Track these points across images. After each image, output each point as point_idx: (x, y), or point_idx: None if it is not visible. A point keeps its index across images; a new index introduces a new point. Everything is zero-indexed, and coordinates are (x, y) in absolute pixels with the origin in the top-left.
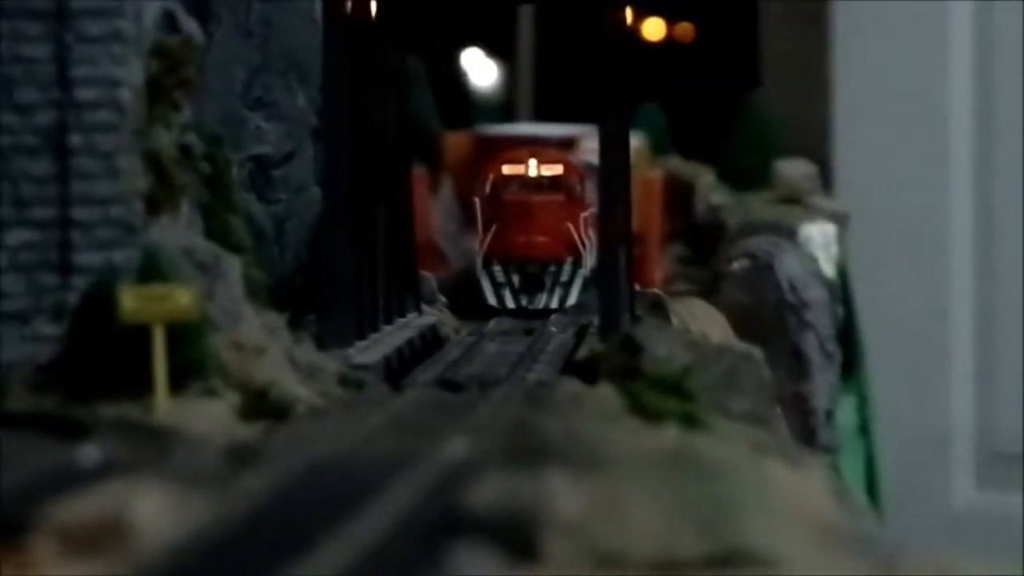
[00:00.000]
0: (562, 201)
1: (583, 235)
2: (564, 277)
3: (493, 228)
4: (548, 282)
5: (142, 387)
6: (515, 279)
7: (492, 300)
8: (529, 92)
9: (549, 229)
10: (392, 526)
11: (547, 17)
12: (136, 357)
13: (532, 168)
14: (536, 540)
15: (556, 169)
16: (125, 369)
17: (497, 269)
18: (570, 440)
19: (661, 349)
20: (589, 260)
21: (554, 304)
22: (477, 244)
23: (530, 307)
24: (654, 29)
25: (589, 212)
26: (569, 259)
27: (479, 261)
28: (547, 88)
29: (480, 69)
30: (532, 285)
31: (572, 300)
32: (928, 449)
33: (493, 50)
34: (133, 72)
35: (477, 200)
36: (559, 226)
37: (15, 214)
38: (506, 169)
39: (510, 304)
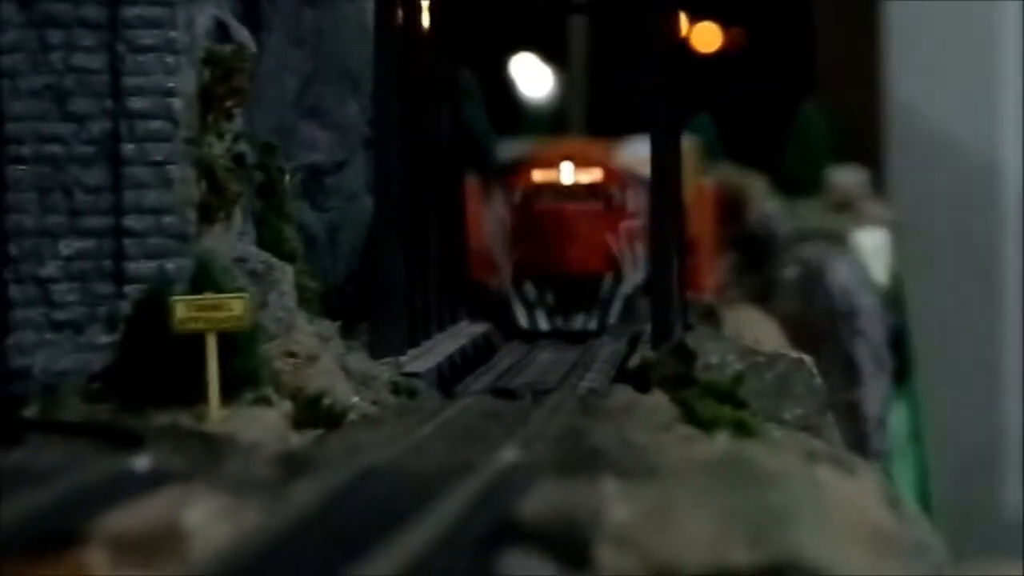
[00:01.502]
0: (600, 210)
1: (623, 247)
2: (603, 295)
3: (524, 242)
4: (586, 300)
5: (195, 396)
6: (549, 298)
7: (524, 322)
8: (582, 101)
9: (586, 242)
10: (443, 535)
11: (600, 27)
12: (189, 366)
13: (566, 174)
14: (589, 549)
15: (594, 175)
16: (178, 378)
17: (529, 287)
18: (622, 449)
19: (713, 357)
20: (630, 275)
21: (592, 325)
22: (506, 260)
23: (566, 328)
24: (707, 38)
25: (631, 222)
26: (608, 274)
27: (508, 279)
28: (600, 97)
29: (534, 78)
30: (568, 304)
31: (612, 320)
32: (979, 457)
33: (546, 59)
34: (185, 81)
35: (506, 211)
36: (597, 238)
37: (69, 223)
38: (537, 176)
39: (544, 326)
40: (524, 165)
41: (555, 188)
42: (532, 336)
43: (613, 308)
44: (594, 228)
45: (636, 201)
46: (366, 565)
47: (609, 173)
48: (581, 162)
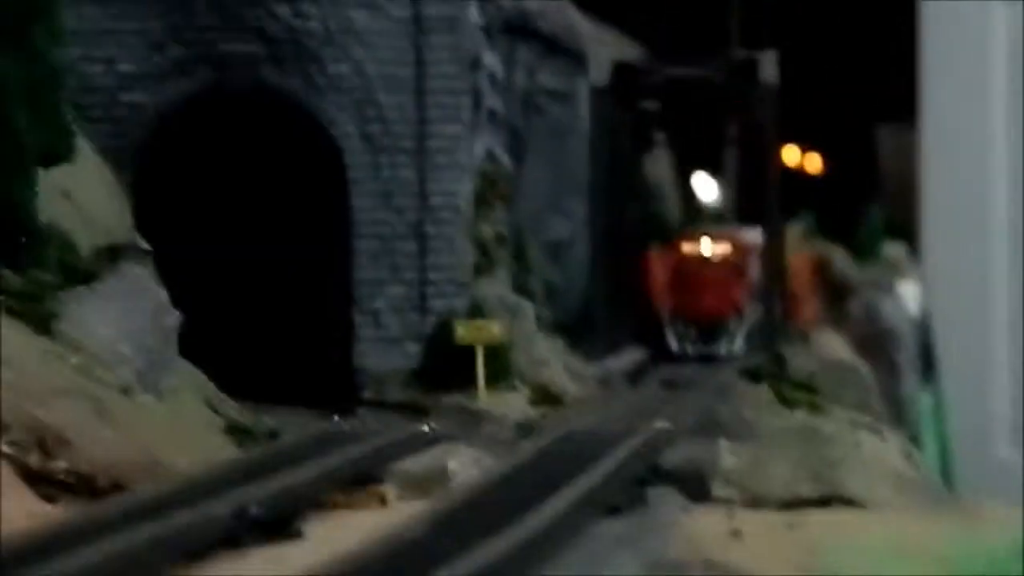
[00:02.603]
0: (730, 272)
1: (745, 297)
2: (731, 331)
3: (677, 292)
4: (718, 335)
5: (469, 384)
6: (693, 331)
7: (675, 348)
8: (733, 204)
9: (719, 294)
10: (613, 474)
11: (745, 154)
12: (466, 366)
13: (706, 246)
14: (708, 486)
15: (725, 247)
16: (459, 373)
17: (680, 323)
18: (735, 419)
19: (798, 361)
20: (749, 316)
21: (722, 352)
22: (664, 305)
23: (703, 354)
24: (813, 163)
25: (750, 279)
26: (735, 317)
27: (666, 318)
28: (745, 201)
29: (706, 187)
30: (706, 337)
31: (736, 348)
32: (978, 426)
33: (713, 174)
34: (467, 187)
35: (666, 270)
36: (727, 292)
37: (392, 276)
38: (686, 248)
39: (690, 351)
40: (679, 240)
41: (699, 256)
42: (681, 357)
43: (737, 340)
44: (724, 283)
45: (753, 266)
46: (562, 492)
47: (737, 245)
48: (716, 239)
